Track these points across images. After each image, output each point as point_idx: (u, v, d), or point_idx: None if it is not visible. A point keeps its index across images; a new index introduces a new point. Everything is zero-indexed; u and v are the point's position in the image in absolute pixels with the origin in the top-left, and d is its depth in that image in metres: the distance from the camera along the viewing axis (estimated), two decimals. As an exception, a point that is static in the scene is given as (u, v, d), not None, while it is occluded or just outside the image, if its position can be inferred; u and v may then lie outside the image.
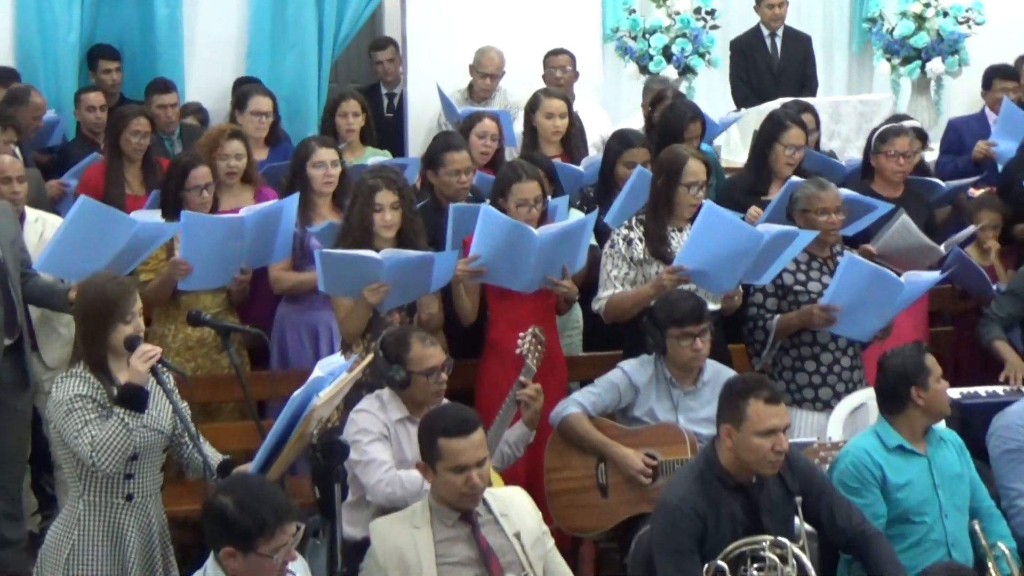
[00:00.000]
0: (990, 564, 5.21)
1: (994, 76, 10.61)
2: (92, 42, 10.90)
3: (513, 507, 5.22)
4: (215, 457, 5.41)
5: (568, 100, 9.12)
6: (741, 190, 7.98)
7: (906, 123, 8.43)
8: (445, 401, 6.26)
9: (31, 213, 7.49)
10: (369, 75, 11.51)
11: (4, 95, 9.44)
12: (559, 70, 10.26)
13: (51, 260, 6.88)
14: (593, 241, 7.22)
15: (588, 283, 7.23)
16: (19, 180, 7.42)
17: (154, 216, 7.19)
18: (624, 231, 7.03)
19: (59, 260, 6.85)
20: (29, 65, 10.67)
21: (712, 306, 6.77)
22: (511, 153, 8.82)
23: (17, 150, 8.45)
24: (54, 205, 8.21)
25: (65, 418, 5.15)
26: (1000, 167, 9.05)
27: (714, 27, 11.47)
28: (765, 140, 8.07)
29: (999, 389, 6.82)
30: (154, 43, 11.04)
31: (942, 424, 5.99)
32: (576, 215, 7.60)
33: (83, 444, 5.11)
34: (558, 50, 10.41)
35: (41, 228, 7.35)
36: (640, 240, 6.96)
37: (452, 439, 4.98)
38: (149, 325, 6.97)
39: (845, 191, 7.19)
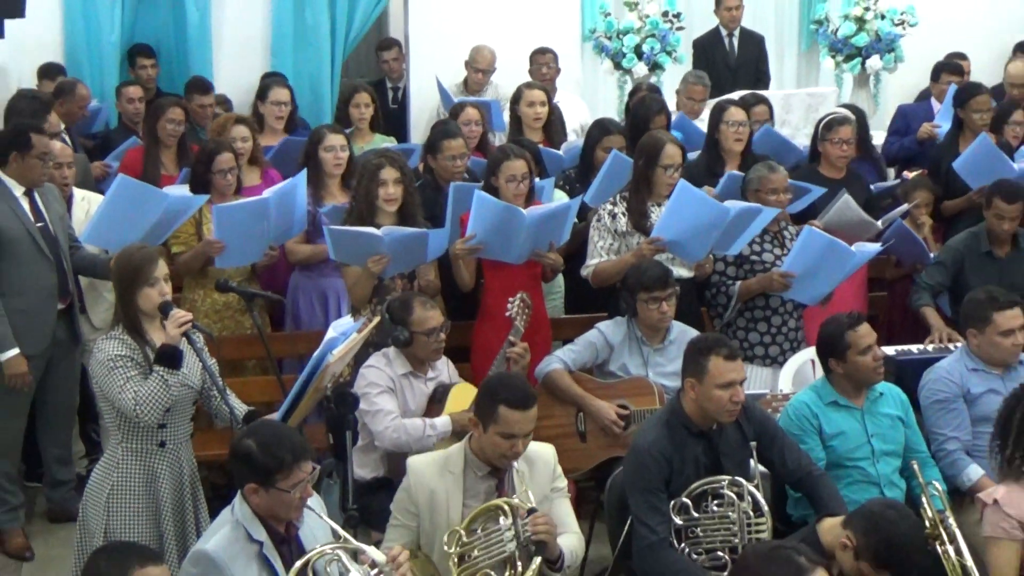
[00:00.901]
0: (925, 500, 5.21)
1: (942, 70, 10.66)
2: (131, 41, 10.87)
3: (536, 465, 5.20)
4: (241, 408, 5.41)
5: (547, 91, 9.12)
6: (699, 170, 7.97)
7: (851, 114, 8.42)
8: (444, 358, 6.33)
9: (78, 193, 7.51)
10: (376, 71, 11.50)
11: (54, 87, 9.46)
12: (544, 66, 10.27)
13: (95, 233, 6.95)
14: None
15: (570, 254, 7.23)
16: (68, 165, 7.42)
17: (183, 190, 7.24)
18: (609, 206, 7.06)
19: (102, 232, 6.92)
20: (75, 62, 10.65)
21: (685, 273, 6.83)
22: (501, 139, 8.82)
23: (67, 136, 8.49)
24: (98, 184, 8.21)
25: (108, 375, 5.16)
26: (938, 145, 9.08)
27: (679, 28, 11.46)
28: (713, 124, 8.14)
29: (930, 347, 6.84)
30: (186, 42, 11.02)
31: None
32: (560, 195, 7.64)
33: (127, 399, 5.12)
34: (543, 49, 10.40)
35: (87, 206, 7.35)
36: (623, 215, 6.99)
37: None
38: (180, 291, 6.99)
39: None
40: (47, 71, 9.91)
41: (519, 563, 4.79)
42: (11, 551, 6.88)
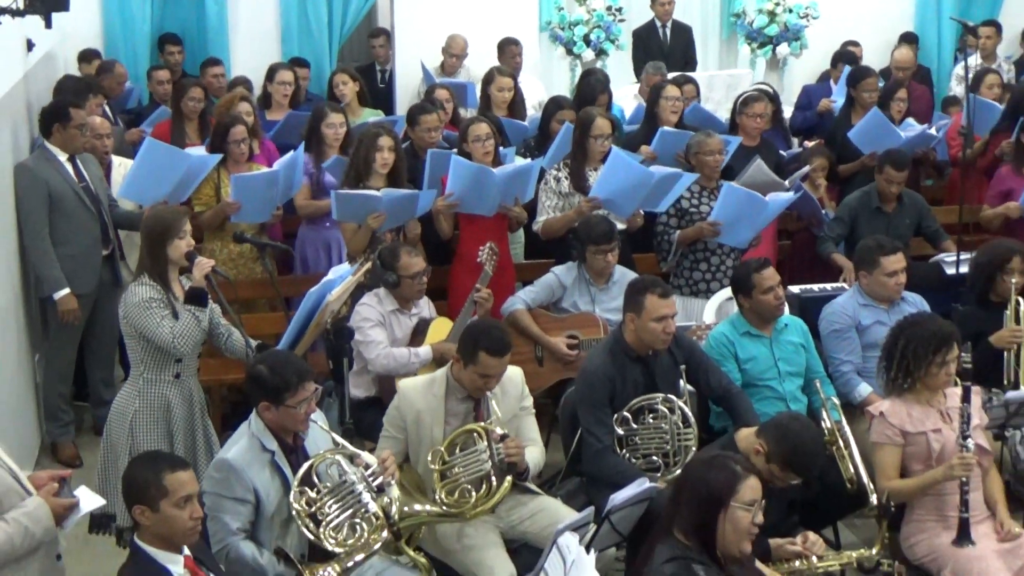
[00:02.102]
0: (824, 413, 5.25)
1: (839, 59, 10.72)
2: (160, 31, 10.81)
3: (507, 387, 5.19)
4: (240, 342, 5.41)
5: (514, 77, 9.10)
6: (640, 137, 8.07)
7: (763, 92, 8.46)
8: (425, 299, 6.35)
9: (116, 159, 7.51)
10: (367, 56, 11.45)
11: (96, 67, 9.48)
12: (513, 56, 10.20)
13: (129, 188, 7.02)
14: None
15: (531, 210, 7.24)
16: (108, 136, 7.45)
17: (200, 150, 7.39)
18: (554, 172, 7.08)
19: (135, 188, 6.97)
20: (113, 48, 10.60)
21: (620, 226, 6.81)
22: (472, 114, 8.80)
23: (108, 110, 8.49)
24: (134, 147, 8.14)
25: (143, 315, 5.14)
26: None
27: (621, 20, 11.44)
28: (652, 99, 8.26)
29: (828, 286, 6.88)
30: (207, 32, 10.97)
31: (787, 313, 6.05)
32: (520, 160, 7.64)
33: (164, 334, 5.13)
34: (513, 40, 10.34)
35: (123, 170, 7.33)
36: (566, 178, 7.02)
37: (491, 356, 4.93)
38: (201, 242, 6.98)
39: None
40: (86, 56, 9.86)
41: (494, 480, 4.80)
42: (63, 459, 6.91)
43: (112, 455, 5.30)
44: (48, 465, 6.85)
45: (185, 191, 6.98)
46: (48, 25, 7.04)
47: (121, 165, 7.44)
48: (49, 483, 3.97)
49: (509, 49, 10.12)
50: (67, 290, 6.63)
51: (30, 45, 7.73)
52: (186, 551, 3.88)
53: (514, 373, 5.26)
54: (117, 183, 7.24)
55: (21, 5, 6.39)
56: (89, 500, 4.02)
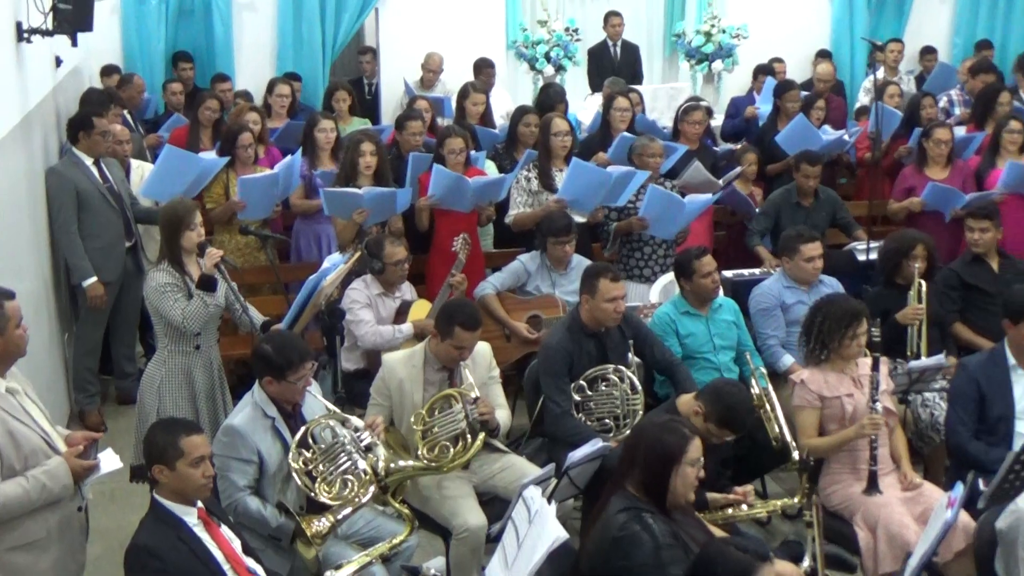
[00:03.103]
0: (753, 380, 5.28)
1: (759, 72, 10.77)
2: (174, 48, 10.73)
3: (477, 359, 5.20)
4: (258, 318, 5.40)
5: (486, 92, 9.07)
6: (595, 142, 8.06)
7: (700, 103, 8.49)
8: (408, 284, 6.34)
9: (134, 163, 7.50)
10: (356, 71, 11.41)
11: (117, 80, 9.40)
12: (488, 76, 10.11)
13: (150, 188, 7.05)
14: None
15: (500, 206, 7.24)
16: (127, 142, 7.46)
17: (211, 154, 7.37)
18: (525, 172, 7.08)
19: (154, 187, 6.99)
20: (131, 64, 10.50)
21: (581, 220, 6.81)
22: (448, 122, 8.77)
23: (129, 118, 8.47)
24: (153, 151, 8.21)
25: (161, 297, 5.13)
26: (760, 125, 9.10)
27: (577, 40, 11.44)
28: (605, 109, 8.24)
29: (756, 271, 6.90)
30: (214, 49, 10.87)
31: (721, 295, 6.07)
32: (490, 163, 7.65)
33: (176, 315, 5.12)
34: (487, 61, 10.29)
35: (142, 172, 7.35)
36: (535, 177, 7.01)
37: (465, 331, 4.94)
38: (212, 235, 6.97)
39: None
40: (107, 71, 9.76)
41: (468, 437, 4.81)
42: (90, 426, 6.84)
43: (144, 418, 5.27)
44: (76, 430, 6.70)
45: (196, 190, 6.97)
46: (74, 43, 7.05)
47: (139, 167, 7.44)
48: (78, 445, 3.99)
49: (485, 71, 10.11)
50: (95, 278, 6.65)
51: (58, 61, 7.70)
52: (199, 504, 3.89)
53: (483, 347, 5.27)
54: (136, 183, 7.24)
55: (50, 26, 6.41)
56: (109, 462, 4.03)
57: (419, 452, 4.76)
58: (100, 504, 4.23)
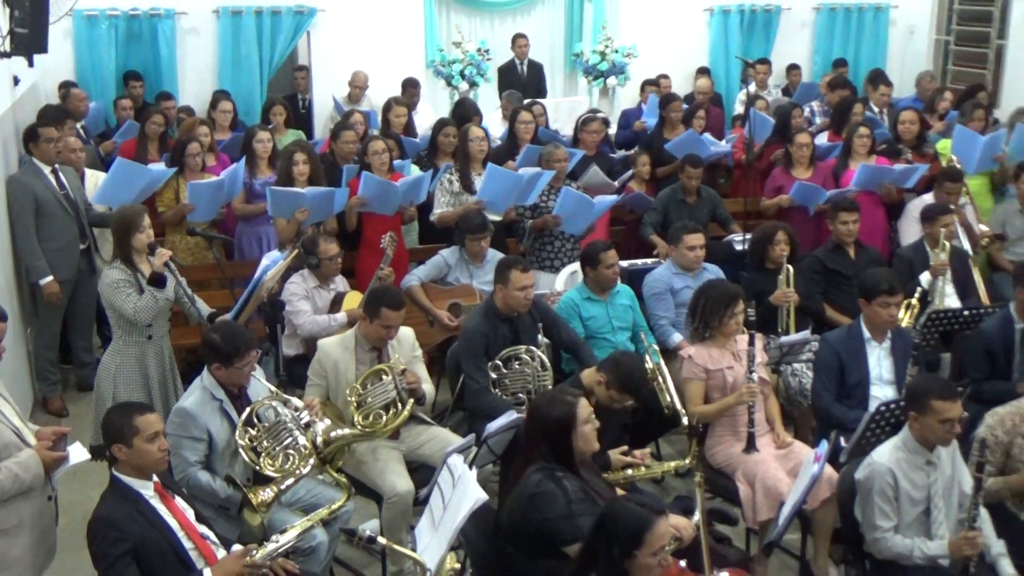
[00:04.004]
0: (647, 356, 5.32)
1: (646, 84, 10.86)
2: (124, 68, 10.44)
3: (403, 341, 5.17)
4: (205, 310, 5.32)
5: (408, 106, 9.01)
6: (504, 151, 8.01)
7: (597, 114, 8.54)
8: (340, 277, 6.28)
9: (88, 172, 7.29)
10: (291, 87, 11.23)
11: (62, 93, 9.18)
12: (413, 95, 10.00)
13: (103, 195, 6.85)
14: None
15: (423, 208, 7.22)
16: (80, 150, 7.26)
17: (160, 165, 7.25)
18: (447, 175, 7.07)
19: (107, 194, 6.80)
20: (84, 81, 10.18)
21: (496, 218, 6.82)
22: (374, 133, 8.70)
23: (82, 132, 8.26)
24: (108, 156, 8.05)
25: (114, 292, 5.06)
26: (648, 134, 9.18)
27: (488, 59, 11.40)
28: (511, 122, 8.25)
29: (648, 260, 6.95)
30: (160, 69, 10.60)
31: (619, 283, 6.12)
32: (415, 168, 7.60)
33: (129, 308, 5.05)
34: (413, 80, 10.19)
35: (95, 180, 7.14)
36: (457, 180, 7.01)
37: (390, 310, 4.92)
38: (163, 235, 6.89)
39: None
40: (63, 86, 9.46)
41: (399, 405, 4.80)
42: (52, 411, 6.77)
43: (101, 402, 5.19)
44: (41, 416, 6.70)
45: (145, 196, 6.82)
46: (31, 64, 6.92)
47: (93, 175, 7.25)
48: (47, 439, 3.93)
49: (410, 89, 10.04)
50: (50, 277, 6.52)
51: (16, 80, 7.51)
52: (155, 478, 3.83)
53: (407, 331, 5.25)
54: (90, 190, 7.06)
55: (8, 48, 6.26)
56: (77, 454, 3.99)
57: (355, 420, 4.74)
58: (63, 481, 4.12)
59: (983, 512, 4.07)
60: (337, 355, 5.00)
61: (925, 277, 6.33)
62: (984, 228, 7.24)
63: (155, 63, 10.60)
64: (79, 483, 5.08)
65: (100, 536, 3.63)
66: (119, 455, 3.74)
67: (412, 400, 4.83)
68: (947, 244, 6.39)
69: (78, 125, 8.21)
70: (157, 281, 5.10)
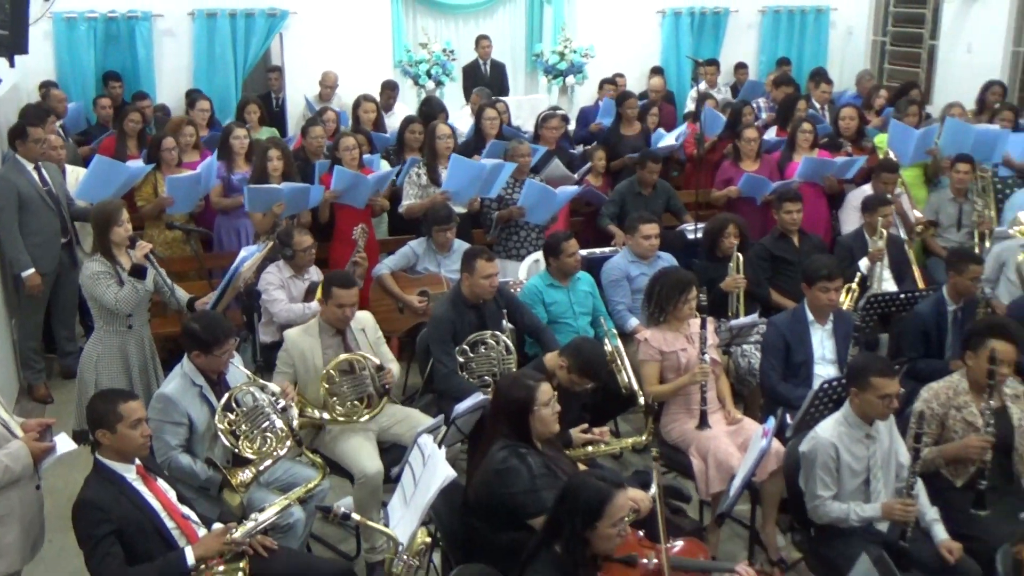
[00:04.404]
0: (606, 339, 5.34)
1: (603, 83, 10.83)
2: (104, 68, 10.28)
3: (366, 325, 5.15)
4: (184, 297, 5.30)
5: (376, 102, 8.98)
6: (471, 146, 7.97)
7: (557, 111, 8.53)
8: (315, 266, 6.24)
9: (69, 168, 7.18)
10: (264, 87, 11.11)
11: (43, 93, 9.04)
12: (390, 97, 9.97)
13: (83, 191, 6.73)
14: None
15: (391, 198, 7.17)
16: (61, 148, 7.16)
17: (138, 162, 7.13)
18: (415, 169, 7.04)
19: (87, 191, 6.68)
20: (64, 81, 10.04)
21: (461, 210, 6.80)
22: (345, 129, 8.65)
23: (61, 131, 8.11)
24: (86, 159, 7.83)
25: (94, 284, 5.00)
26: (605, 131, 9.19)
27: (453, 59, 11.35)
28: (477, 117, 8.22)
29: (606, 249, 6.95)
30: (138, 69, 10.46)
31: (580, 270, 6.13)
32: (384, 163, 7.56)
33: (109, 299, 4.99)
34: (391, 83, 10.16)
35: (76, 176, 7.03)
36: (424, 174, 6.99)
37: (340, 288, 4.91)
38: (143, 228, 6.79)
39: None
40: (43, 86, 9.32)
41: (376, 398, 4.85)
42: (37, 398, 6.68)
43: (84, 389, 5.13)
44: (26, 403, 6.61)
45: (123, 191, 6.73)
46: (12, 64, 6.79)
47: (74, 172, 7.13)
48: (34, 431, 3.88)
49: (387, 91, 10.00)
50: (32, 270, 6.42)
51: (-2, 80, 7.37)
52: (137, 462, 3.79)
53: (367, 316, 5.24)
54: (71, 186, 6.94)
55: (-11, 49, 6.15)
56: (64, 445, 3.95)
57: (331, 409, 4.76)
58: (48, 466, 4.08)
59: (919, 482, 4.14)
60: (303, 343, 4.96)
61: (864, 263, 6.40)
62: (919, 215, 7.34)
63: (132, 63, 10.47)
64: (64, 467, 4.98)
65: (85, 518, 3.59)
66: (103, 440, 3.71)
67: (386, 397, 4.88)
68: (884, 232, 6.47)
69: (57, 124, 8.08)
70: (138, 272, 5.04)
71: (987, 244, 7.00)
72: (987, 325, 4.46)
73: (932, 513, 4.15)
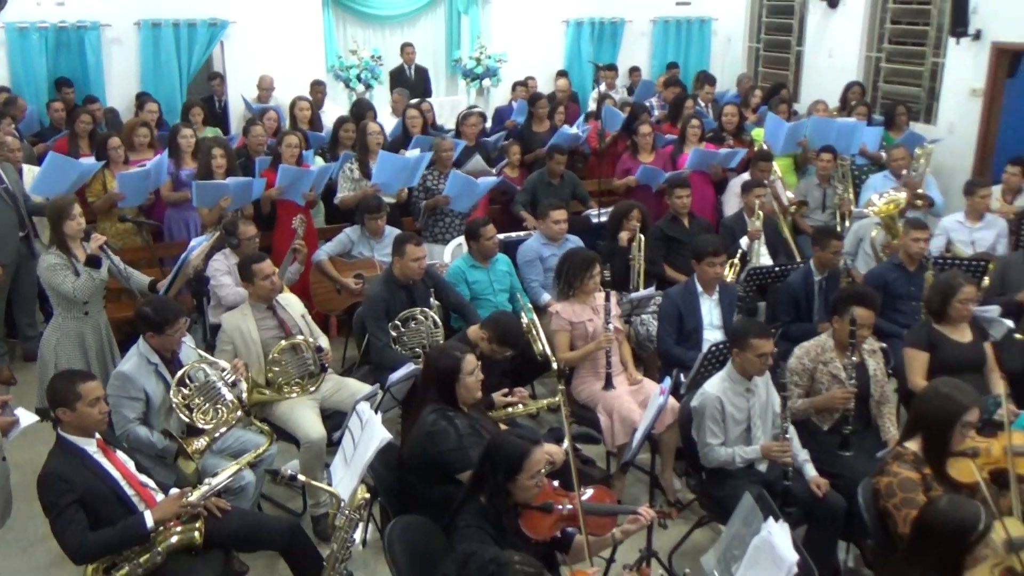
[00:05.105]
0: (523, 313, 5.34)
1: (516, 85, 10.78)
2: (56, 74, 9.85)
3: (290, 303, 5.08)
4: (143, 280, 5.19)
5: (311, 102, 8.80)
6: (398, 143, 7.87)
7: (475, 110, 8.48)
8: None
9: (26, 167, 6.86)
10: (208, 91, 10.78)
11: (4, 100, 8.63)
12: (319, 93, 9.76)
13: (38, 187, 6.43)
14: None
15: (327, 191, 7.06)
16: (18, 150, 6.85)
17: (90, 160, 6.84)
18: (349, 164, 6.94)
19: (42, 186, 6.39)
20: (18, 86, 9.62)
21: (391, 200, 6.73)
22: (284, 127, 8.47)
23: (15, 132, 7.70)
24: (40, 157, 7.50)
25: (51, 275, 4.84)
26: (519, 129, 9.15)
27: (381, 64, 11.22)
28: (403, 116, 8.17)
29: (520, 233, 6.94)
30: (88, 75, 10.05)
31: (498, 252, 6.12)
32: (319, 159, 7.43)
33: (67, 288, 4.84)
34: (319, 82, 9.95)
35: (31, 175, 6.72)
36: (357, 169, 6.89)
37: (256, 263, 4.87)
38: (96, 222, 6.54)
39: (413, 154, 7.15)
40: (2, 91, 8.91)
41: (318, 374, 4.83)
42: (2, 380, 6.40)
43: (44, 371, 4.96)
44: (-10, 385, 6.35)
45: (76, 187, 6.47)
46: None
47: (30, 171, 6.81)
48: None
49: (316, 87, 9.79)
50: None
51: (-47, 87, 7.01)
52: (97, 436, 3.68)
53: (292, 297, 5.17)
54: (28, 183, 6.64)
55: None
56: (26, 417, 3.83)
57: (281, 389, 4.75)
58: (14, 443, 3.93)
59: (791, 428, 4.26)
60: (239, 322, 4.87)
61: (744, 241, 6.52)
62: (791, 196, 7.52)
63: (83, 70, 10.06)
64: (28, 443, 4.84)
65: (49, 488, 3.47)
66: (63, 417, 3.59)
67: (325, 373, 4.86)
68: (761, 213, 6.60)
69: (12, 126, 7.73)
70: (93, 262, 4.90)
71: (847, 223, 7.20)
72: (849, 294, 4.57)
73: (803, 455, 4.27)
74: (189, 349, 4.42)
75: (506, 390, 4.68)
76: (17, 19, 9.63)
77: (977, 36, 8.83)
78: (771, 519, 3.15)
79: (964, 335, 4.81)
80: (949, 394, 3.64)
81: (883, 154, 7.85)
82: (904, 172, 7.30)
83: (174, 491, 3.77)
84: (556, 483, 3.65)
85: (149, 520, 3.56)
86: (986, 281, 5.70)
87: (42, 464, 3.55)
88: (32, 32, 9.76)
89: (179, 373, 4.25)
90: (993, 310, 5.27)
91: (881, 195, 6.60)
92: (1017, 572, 3.21)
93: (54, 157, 6.43)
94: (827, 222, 7.25)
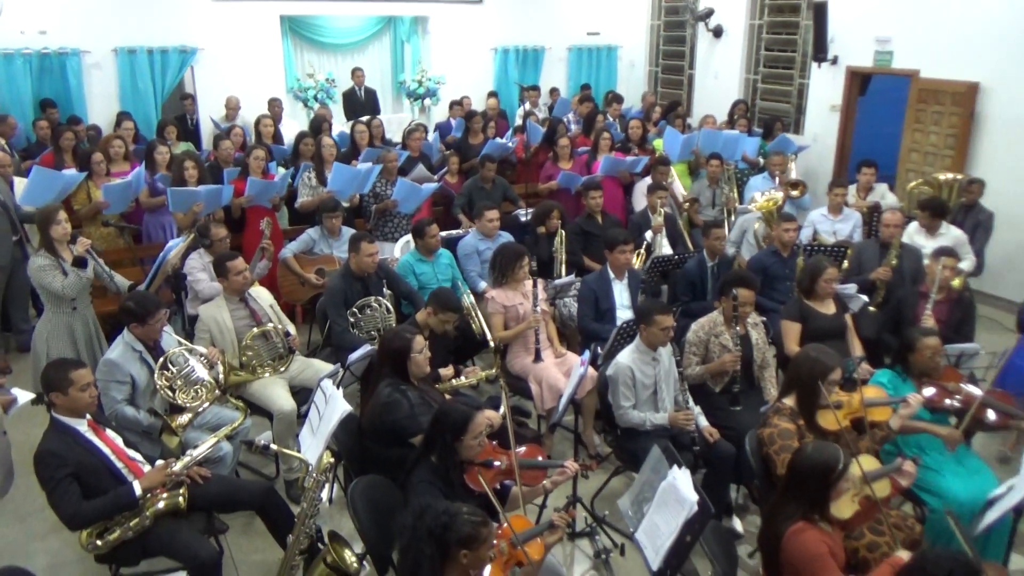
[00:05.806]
0: (464, 297, 5.31)
1: (453, 103, 10.67)
2: (40, 95, 9.38)
3: (260, 295, 4.96)
4: (124, 283, 4.99)
5: (274, 119, 8.59)
6: (348, 157, 7.72)
7: (419, 125, 8.38)
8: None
9: (17, 179, 6.53)
10: (180, 110, 10.39)
11: None
12: (276, 108, 9.49)
13: (26, 197, 6.12)
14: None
15: (290, 196, 6.90)
16: (8, 165, 6.52)
17: (72, 171, 6.58)
18: (307, 173, 6.81)
19: (30, 197, 6.09)
20: (4, 106, 9.13)
21: (346, 204, 6.61)
22: (250, 142, 8.24)
23: (6, 148, 7.39)
24: (28, 172, 7.16)
25: (41, 275, 4.66)
26: (457, 140, 9.08)
27: (335, 86, 11.00)
28: (351, 131, 8.01)
29: (460, 231, 6.86)
30: (71, 97, 9.59)
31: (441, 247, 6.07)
32: (281, 169, 7.26)
33: (58, 286, 4.65)
34: (276, 99, 9.65)
35: (21, 186, 6.40)
36: (314, 177, 6.77)
37: (230, 261, 4.73)
38: (81, 227, 6.26)
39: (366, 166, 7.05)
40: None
41: (284, 357, 4.73)
42: (-2, 370, 6.11)
43: (37, 361, 4.76)
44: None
45: (62, 196, 6.20)
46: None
47: (20, 183, 6.49)
48: None
49: (274, 103, 9.54)
50: None
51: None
52: (88, 417, 3.55)
53: (262, 291, 5.05)
54: (19, 194, 6.33)
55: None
56: (23, 396, 3.74)
57: (255, 371, 4.65)
58: (12, 424, 3.78)
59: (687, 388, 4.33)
60: (214, 312, 4.75)
61: (649, 234, 6.61)
62: (686, 195, 7.64)
63: (65, 92, 9.60)
64: (24, 424, 4.67)
65: (45, 464, 3.35)
66: (56, 401, 3.46)
67: (294, 354, 4.77)
68: (662, 211, 6.70)
69: (2, 142, 7.38)
70: (80, 263, 4.72)
71: (733, 218, 7.36)
72: (732, 277, 4.66)
73: (697, 410, 4.35)
74: (170, 337, 4.30)
75: (451, 366, 4.66)
76: (2, 47, 9.16)
77: (835, 61, 9.13)
78: (675, 466, 3.22)
79: (829, 308, 4.97)
80: (817, 357, 3.76)
81: (761, 160, 8.04)
82: (780, 173, 7.51)
83: (159, 462, 3.67)
84: (495, 443, 3.66)
85: (137, 489, 3.45)
86: (845, 264, 5.89)
87: (36, 444, 3.42)
88: (17, 58, 9.29)
89: (162, 359, 4.14)
90: (851, 288, 5.45)
91: (762, 193, 6.75)
92: (872, 499, 3.35)
93: (39, 170, 6.16)
94: (716, 217, 7.39)
